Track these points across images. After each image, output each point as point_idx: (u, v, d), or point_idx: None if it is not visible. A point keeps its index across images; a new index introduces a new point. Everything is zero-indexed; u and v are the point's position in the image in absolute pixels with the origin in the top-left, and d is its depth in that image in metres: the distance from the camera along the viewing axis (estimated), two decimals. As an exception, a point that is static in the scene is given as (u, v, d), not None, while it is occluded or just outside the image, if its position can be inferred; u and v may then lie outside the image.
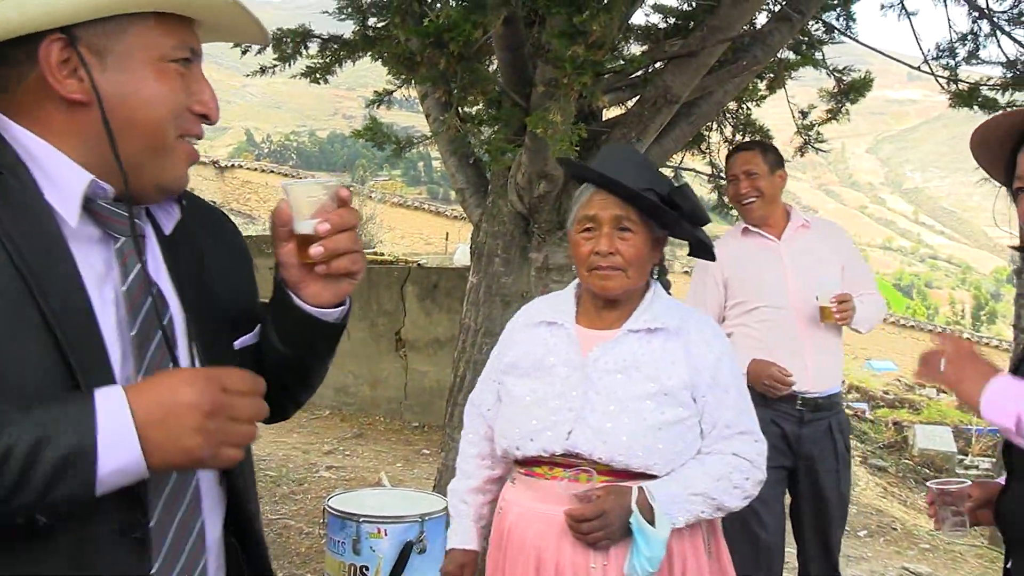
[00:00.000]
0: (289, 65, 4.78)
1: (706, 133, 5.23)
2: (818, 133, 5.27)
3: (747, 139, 5.18)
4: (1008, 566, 1.68)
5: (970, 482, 1.80)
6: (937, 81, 4.85)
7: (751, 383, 2.95)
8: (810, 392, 3.09)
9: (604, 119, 4.31)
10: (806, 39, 4.96)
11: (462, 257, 8.77)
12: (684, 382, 1.86)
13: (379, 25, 4.41)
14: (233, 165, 23.30)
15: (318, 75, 4.78)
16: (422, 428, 7.36)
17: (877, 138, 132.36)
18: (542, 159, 3.77)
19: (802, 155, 5.48)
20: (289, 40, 4.73)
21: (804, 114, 5.32)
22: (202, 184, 20.87)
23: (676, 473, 1.84)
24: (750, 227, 3.25)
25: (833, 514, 3.19)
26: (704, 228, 2.04)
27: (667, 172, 5.56)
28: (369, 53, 4.42)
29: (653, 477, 1.83)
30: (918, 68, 4.89)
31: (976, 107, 4.79)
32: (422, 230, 20.10)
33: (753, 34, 4.18)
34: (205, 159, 23.75)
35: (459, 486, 2.12)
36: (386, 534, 3.19)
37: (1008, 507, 1.66)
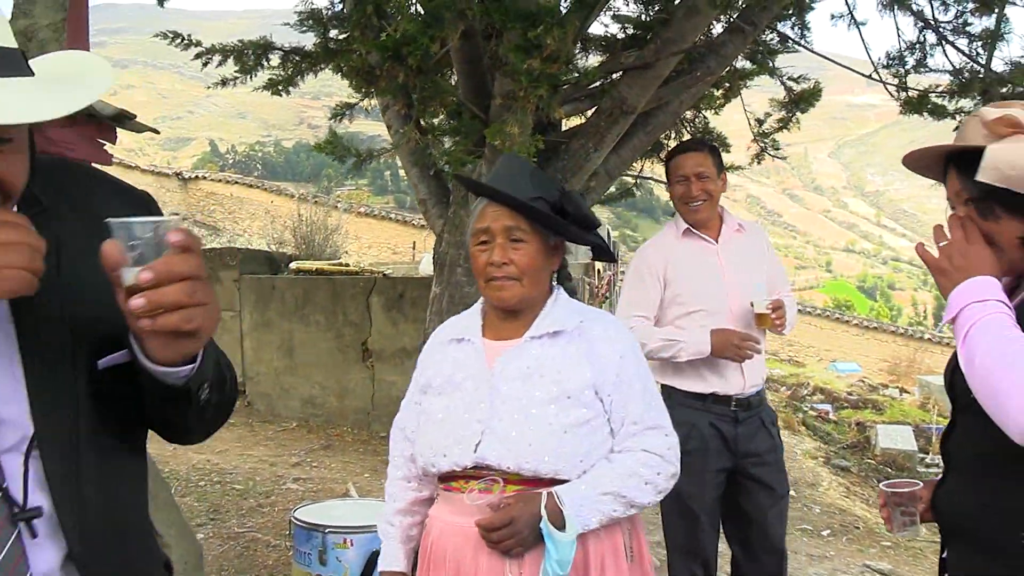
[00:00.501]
0: (251, 77, 4.80)
1: (665, 141, 5.31)
2: (774, 140, 5.37)
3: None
4: (944, 556, 1.72)
5: (921, 483, 1.81)
6: (886, 89, 4.97)
7: (719, 354, 3.01)
8: (743, 393, 3.15)
9: (563, 129, 4.37)
10: (761, 48, 5.07)
11: (428, 266, 8.78)
12: (587, 382, 1.87)
13: (340, 37, 4.44)
14: (197, 176, 23.13)
15: (280, 87, 4.80)
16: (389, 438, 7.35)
17: (839, 142, 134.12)
18: (502, 170, 3.82)
19: (759, 162, 5.58)
20: (251, 52, 4.75)
21: (760, 122, 5.42)
22: (166, 196, 20.68)
23: (586, 475, 1.85)
24: (691, 228, 3.23)
25: (781, 506, 3.24)
26: (598, 231, 2.07)
27: (628, 180, 5.64)
28: (330, 65, 4.45)
29: (566, 482, 1.84)
30: (869, 76, 5.00)
31: (926, 113, 4.92)
32: (389, 240, 20.08)
33: (707, 45, 4.27)
34: (168, 171, 23.57)
35: (386, 509, 2.13)
36: (352, 544, 3.20)
37: (943, 499, 1.70)
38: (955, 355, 1.67)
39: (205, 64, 4.82)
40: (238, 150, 66.28)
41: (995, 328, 1.47)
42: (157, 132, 4.94)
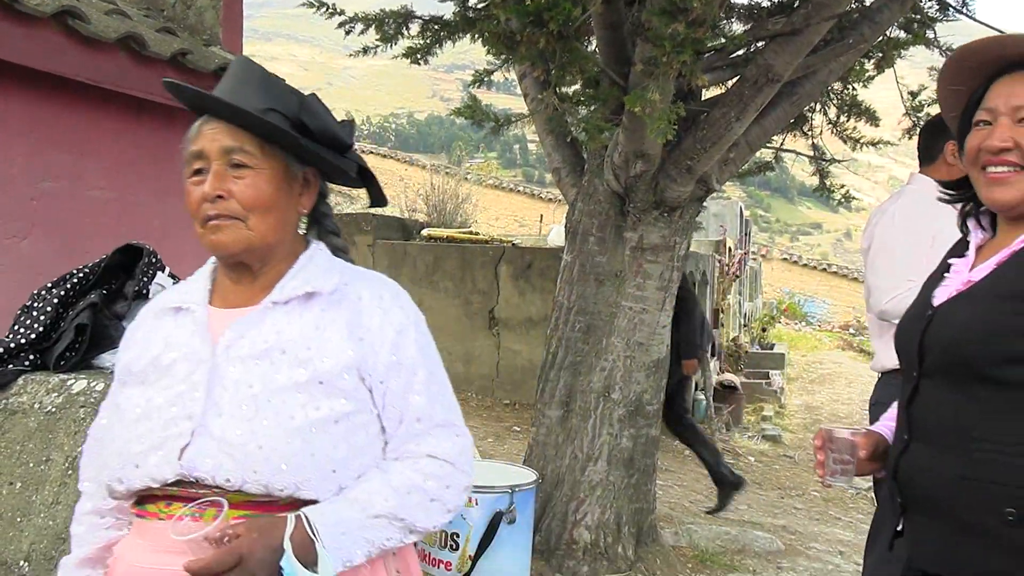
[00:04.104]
0: (391, 46, 4.89)
1: (809, 114, 5.11)
2: (927, 115, 5.08)
3: (851, 121, 5.04)
4: (899, 528, 1.59)
5: (864, 429, 1.70)
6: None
7: None
8: None
9: (704, 98, 4.27)
10: (918, 16, 4.79)
11: (556, 238, 8.79)
12: (348, 363, 1.40)
13: (480, 6, 4.46)
14: (334, 146, 23.82)
15: (419, 55, 4.87)
16: (513, 405, 7.45)
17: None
18: (639, 138, 3.76)
19: (910, 138, 5.29)
20: (391, 21, 4.83)
21: (913, 95, 5.13)
22: (305, 164, 21.41)
23: (349, 491, 1.37)
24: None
25: None
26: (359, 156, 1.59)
27: (767, 153, 5.46)
28: (469, 33, 4.48)
29: (313, 502, 1.35)
30: (1039, 46, 4.65)
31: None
32: (516, 212, 20.23)
33: (861, 11, 4.06)
34: (307, 140, 24.35)
35: (67, 560, 1.55)
36: (477, 503, 3.26)
37: (906, 469, 1.56)
38: (918, 315, 1.60)
39: (348, 33, 4.93)
40: (373, 121, 67.97)
41: None
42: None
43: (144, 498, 1.39)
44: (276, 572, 1.26)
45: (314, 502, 1.35)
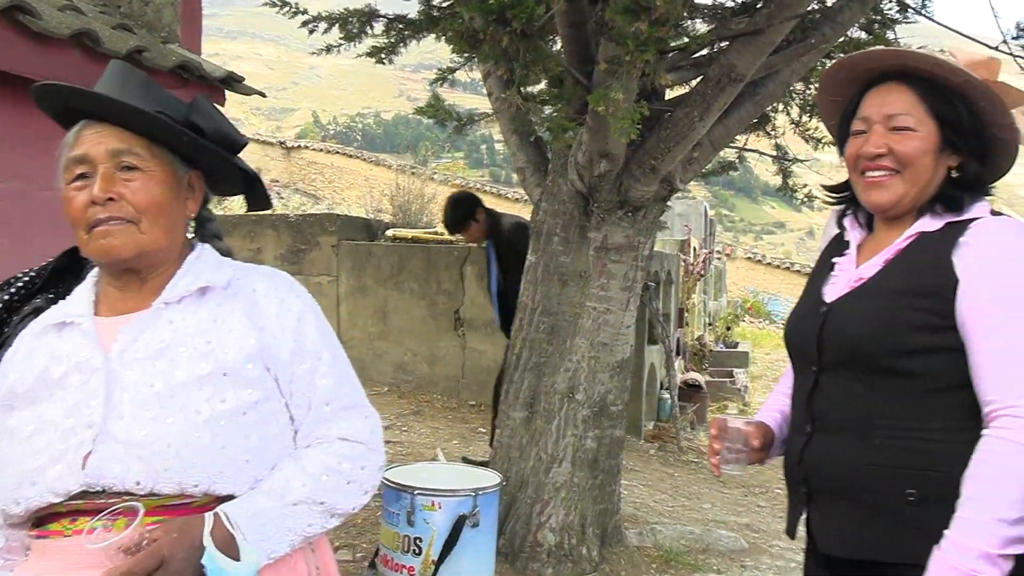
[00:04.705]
0: (355, 44, 4.84)
1: (772, 114, 5.13)
2: (888, 115, 5.12)
3: (814, 121, 5.07)
4: (807, 517, 1.67)
5: (754, 420, 1.78)
6: (1016, 61, 4.67)
7: None
8: None
9: (667, 98, 4.26)
10: (878, 18, 4.82)
11: (522, 238, 8.77)
12: (252, 352, 1.38)
13: (443, 4, 4.43)
14: (300, 146, 23.68)
15: (383, 54, 4.84)
16: (479, 407, 7.41)
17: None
18: (603, 138, 3.75)
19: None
20: (355, 20, 4.79)
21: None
22: (270, 164, 21.28)
23: (264, 482, 1.35)
24: None
25: None
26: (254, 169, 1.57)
27: (731, 153, 5.48)
28: (433, 32, 4.44)
29: (230, 498, 1.32)
30: (996, 48, 4.71)
31: (1056, 89, 4.61)
32: (483, 212, 20.16)
33: (823, 11, 4.08)
34: (272, 139, 24.17)
35: None
36: (440, 507, 3.23)
37: (811, 457, 1.64)
38: (812, 313, 1.68)
39: (311, 32, 4.88)
40: (339, 121, 67.57)
41: None
42: (264, 95, 5.04)
43: (43, 518, 1.32)
44: (199, 572, 1.22)
45: (231, 498, 1.32)
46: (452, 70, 4.67)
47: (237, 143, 1.50)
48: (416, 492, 3.24)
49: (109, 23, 4.11)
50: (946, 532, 1.43)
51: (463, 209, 5.49)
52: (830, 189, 1.83)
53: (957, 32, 4.69)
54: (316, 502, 1.37)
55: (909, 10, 4.92)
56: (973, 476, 1.44)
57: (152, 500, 1.28)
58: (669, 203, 4.46)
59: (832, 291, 1.67)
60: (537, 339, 4.23)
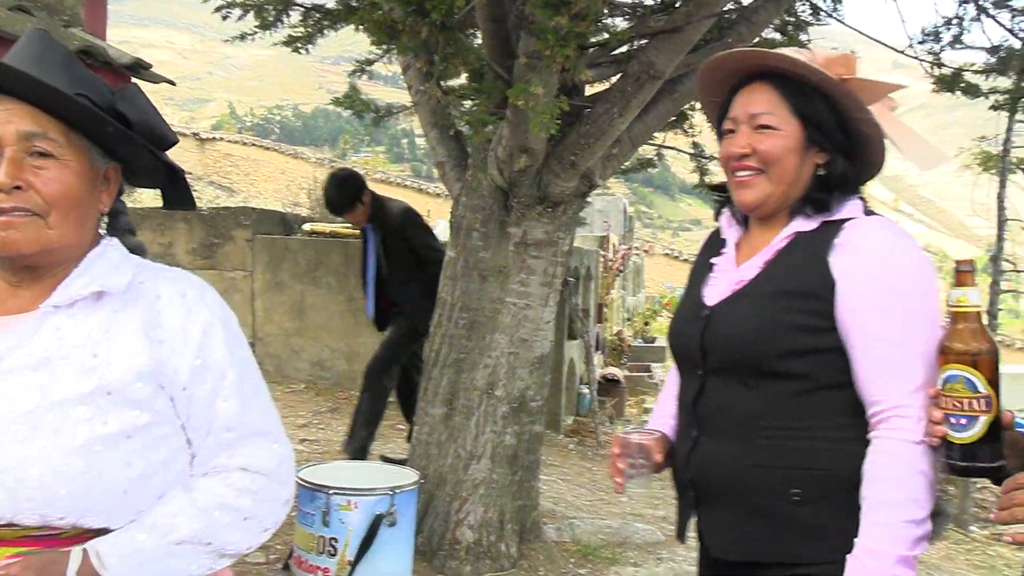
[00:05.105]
0: (271, 33, 4.72)
1: (690, 112, 5.19)
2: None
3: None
4: (696, 521, 1.69)
5: (654, 432, 1.75)
6: (921, 65, 4.84)
7: None
8: None
9: (587, 95, 4.27)
10: (792, 20, 4.94)
11: (442, 234, 8.71)
12: (142, 370, 1.23)
13: (362, -7, 4.35)
14: (215, 137, 23.11)
15: (300, 44, 4.72)
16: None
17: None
18: (523, 132, 3.73)
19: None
20: (271, 7, 4.66)
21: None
22: (184, 155, 20.65)
23: (146, 516, 1.21)
24: None
25: None
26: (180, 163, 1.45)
27: (650, 150, 5.53)
28: (351, 22, 4.35)
29: (104, 531, 1.20)
30: (903, 52, 4.87)
31: (959, 92, 4.78)
32: (404, 207, 20.01)
33: (739, 11, 4.15)
34: (186, 131, 23.52)
35: None
36: (356, 506, 3.17)
37: (698, 461, 1.64)
38: (694, 316, 1.67)
39: (225, 18, 4.73)
40: (256, 113, 66.15)
41: None
42: (172, 83, 4.87)
43: None
44: None
45: (105, 531, 1.19)
46: (371, 62, 4.59)
47: (167, 139, 1.35)
48: (332, 492, 3.17)
49: (5, 3, 3.91)
50: (857, 540, 1.43)
51: (352, 188, 5.00)
52: (714, 188, 1.85)
53: (867, 36, 4.83)
54: (203, 542, 1.22)
55: (821, 12, 5.05)
56: (875, 480, 1.44)
57: (12, 530, 1.15)
58: (589, 199, 4.47)
59: (713, 294, 1.67)
60: (456, 335, 4.19)
